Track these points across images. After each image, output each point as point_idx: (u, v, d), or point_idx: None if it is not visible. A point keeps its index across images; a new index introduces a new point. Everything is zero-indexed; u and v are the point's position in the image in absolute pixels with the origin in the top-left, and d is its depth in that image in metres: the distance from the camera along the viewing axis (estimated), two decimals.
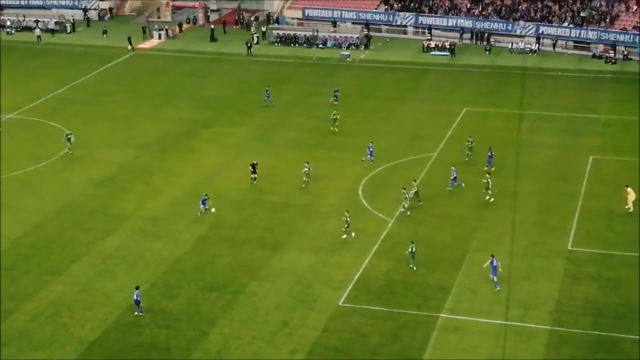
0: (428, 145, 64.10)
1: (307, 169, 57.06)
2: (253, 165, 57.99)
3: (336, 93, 74.66)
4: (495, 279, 44.08)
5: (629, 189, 52.81)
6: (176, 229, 51.33)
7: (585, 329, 40.55)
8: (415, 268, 45.91)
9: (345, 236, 49.82)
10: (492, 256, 44.51)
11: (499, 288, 43.72)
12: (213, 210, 52.71)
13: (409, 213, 52.27)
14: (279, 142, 65.76)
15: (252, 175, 57.79)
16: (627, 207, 52.52)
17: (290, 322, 41.44)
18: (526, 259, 46.65)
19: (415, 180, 54.35)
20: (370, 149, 60.44)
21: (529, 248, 48.02)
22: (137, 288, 42.27)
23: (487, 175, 55.17)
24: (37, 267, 46.77)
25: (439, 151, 63.14)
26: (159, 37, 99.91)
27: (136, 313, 41.95)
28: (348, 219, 50.07)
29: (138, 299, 41.88)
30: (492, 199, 53.86)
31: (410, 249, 46.29)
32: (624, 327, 40.63)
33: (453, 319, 41.62)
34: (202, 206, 52.97)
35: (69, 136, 63.20)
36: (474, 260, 46.91)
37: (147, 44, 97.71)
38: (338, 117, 67.33)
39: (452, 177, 55.72)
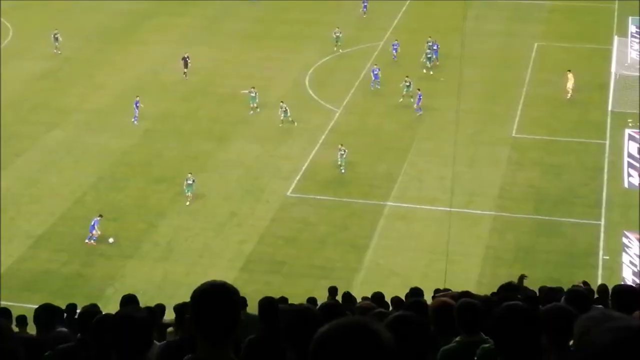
0: (374, 34, 63.68)
1: (190, 180, 42.34)
2: (185, 59, 56.40)
3: (365, 4, 67.83)
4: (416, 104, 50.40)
5: (570, 74, 52.94)
6: (122, 122, 50.85)
7: (528, 213, 41.53)
8: (344, 172, 46.09)
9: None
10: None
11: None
12: (111, 240, 39.72)
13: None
14: (224, 33, 64.76)
15: (185, 70, 56.42)
16: (568, 96, 52.61)
17: (239, 212, 41.79)
18: (471, 147, 47.22)
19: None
20: (395, 47, 58.83)
21: (474, 136, 48.55)
22: (100, 216, 39.37)
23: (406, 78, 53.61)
24: None
25: (385, 41, 62.85)
26: None
27: (87, 241, 39.19)
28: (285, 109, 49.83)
29: (93, 224, 38.97)
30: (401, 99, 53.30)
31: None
32: (565, 211, 41.68)
33: (399, 207, 42.32)
34: (135, 112, 50.05)
35: (56, 35, 61.24)
36: (420, 148, 47.41)
37: None
38: (341, 36, 61.01)
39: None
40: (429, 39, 58.22)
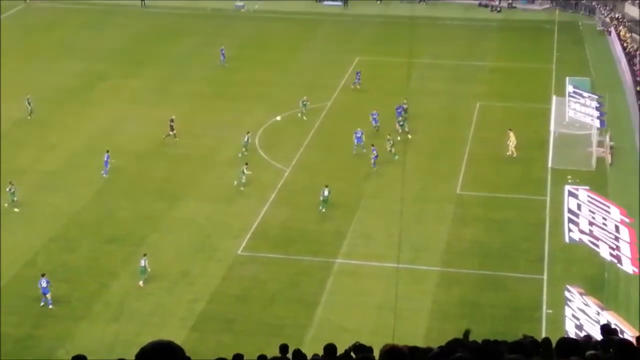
0: (322, 94, 65.08)
1: (143, 262, 41.37)
2: (171, 122, 56.85)
3: (359, 75, 66.95)
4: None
5: (511, 133, 54.78)
6: (74, 182, 51.32)
7: (473, 269, 42.61)
8: (324, 210, 47.36)
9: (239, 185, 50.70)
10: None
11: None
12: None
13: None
14: (176, 94, 65.75)
15: (171, 133, 56.80)
16: (508, 153, 54.44)
17: (191, 271, 42.34)
18: (417, 204, 48.31)
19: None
20: (375, 116, 58.12)
21: (420, 193, 49.71)
22: (43, 275, 39.48)
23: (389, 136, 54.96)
24: None
25: (333, 100, 64.35)
26: None
27: (42, 304, 39.12)
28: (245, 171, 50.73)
29: (46, 286, 39.07)
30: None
31: (322, 193, 47.58)
32: (510, 265, 42.83)
33: (348, 263, 43.18)
34: (106, 167, 51.65)
35: (29, 100, 61.54)
36: (368, 206, 48.51)
37: None
38: (308, 103, 61.61)
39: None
40: (405, 100, 58.80)
